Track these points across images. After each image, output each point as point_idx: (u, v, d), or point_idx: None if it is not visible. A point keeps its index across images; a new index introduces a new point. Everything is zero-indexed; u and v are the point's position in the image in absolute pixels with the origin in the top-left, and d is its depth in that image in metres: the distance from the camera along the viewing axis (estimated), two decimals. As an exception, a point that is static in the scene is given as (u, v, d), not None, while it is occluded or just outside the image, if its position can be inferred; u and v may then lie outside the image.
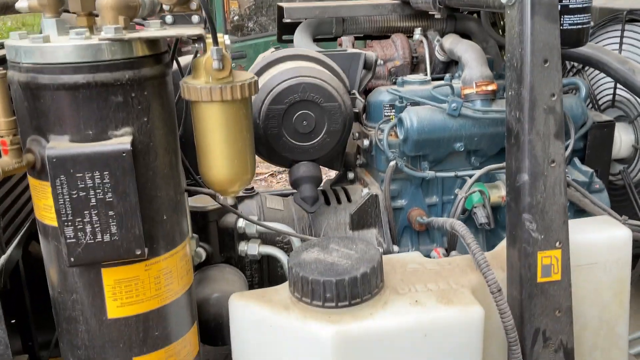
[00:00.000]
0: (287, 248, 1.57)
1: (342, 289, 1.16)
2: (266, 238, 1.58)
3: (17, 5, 1.11)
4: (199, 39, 1.04)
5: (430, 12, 1.71)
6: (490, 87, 1.53)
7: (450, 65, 1.91)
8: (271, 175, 4.72)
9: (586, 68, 1.93)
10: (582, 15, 1.29)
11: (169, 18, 1.13)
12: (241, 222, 1.50)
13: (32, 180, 1.07)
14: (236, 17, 6.17)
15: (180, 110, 1.40)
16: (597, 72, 1.85)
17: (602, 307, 1.42)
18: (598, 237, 1.38)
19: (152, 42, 1.05)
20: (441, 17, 1.82)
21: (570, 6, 1.28)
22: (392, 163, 1.56)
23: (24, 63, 0.99)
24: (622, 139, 1.80)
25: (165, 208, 1.12)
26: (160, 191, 1.10)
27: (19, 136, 0.99)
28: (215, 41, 1.00)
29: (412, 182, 1.65)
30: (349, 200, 1.68)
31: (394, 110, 1.65)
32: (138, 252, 1.05)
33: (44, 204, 1.06)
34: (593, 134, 1.66)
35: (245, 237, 1.53)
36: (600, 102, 1.90)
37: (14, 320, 1.43)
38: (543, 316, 1.27)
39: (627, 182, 1.82)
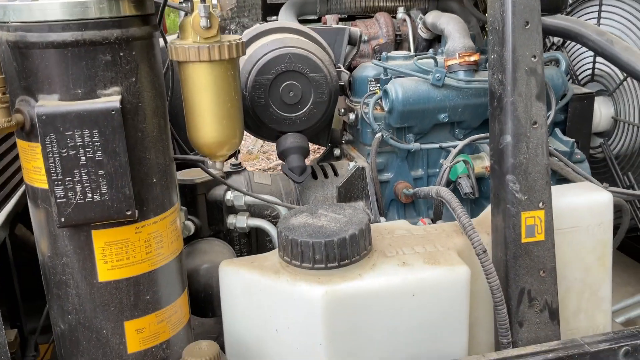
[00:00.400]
0: (275, 222, 1.58)
1: (331, 250, 1.17)
2: (254, 212, 1.59)
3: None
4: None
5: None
6: (473, 58, 1.56)
7: (433, 42, 1.94)
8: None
9: (566, 44, 1.96)
10: (562, -18, 1.32)
11: None
12: (229, 195, 1.51)
13: (21, 143, 1.07)
14: (218, 19, 6.16)
15: (169, 81, 1.41)
16: (577, 47, 1.89)
17: (586, 270, 1.45)
18: (580, 201, 1.41)
19: (139, 2, 1.05)
20: (424, -6, 1.85)
21: (550, -27, 1.30)
22: (378, 135, 1.58)
23: (12, 22, 0.99)
24: (602, 112, 1.84)
25: (154, 171, 1.12)
26: (150, 153, 1.11)
27: (8, 95, 1.00)
28: (203, -1, 1.01)
29: (398, 155, 1.67)
30: (335, 174, 1.70)
31: (378, 85, 1.67)
32: (128, 212, 1.05)
33: (33, 166, 1.06)
34: (573, 106, 1.70)
35: (233, 210, 1.54)
36: (580, 77, 1.94)
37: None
38: (528, 276, 1.29)
39: (607, 155, 1.86)
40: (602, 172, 1.89)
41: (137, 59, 1.05)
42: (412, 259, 1.26)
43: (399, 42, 1.94)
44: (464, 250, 1.32)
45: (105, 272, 1.11)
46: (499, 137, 1.27)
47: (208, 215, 1.55)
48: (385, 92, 1.56)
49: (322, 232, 1.20)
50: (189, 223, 1.48)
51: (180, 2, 1.06)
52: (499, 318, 1.28)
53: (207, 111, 1.12)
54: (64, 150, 0.99)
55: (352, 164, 1.66)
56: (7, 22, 1.00)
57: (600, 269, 1.46)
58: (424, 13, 1.97)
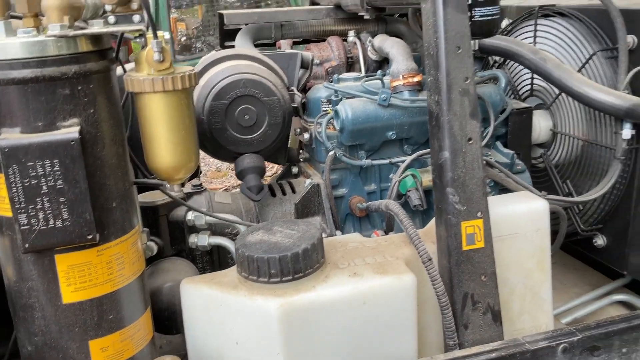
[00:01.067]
0: (235, 239, 1.65)
1: (285, 264, 1.25)
2: (216, 230, 1.66)
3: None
4: (140, 34, 1.13)
5: (360, 14, 1.84)
6: (416, 79, 1.66)
7: (383, 64, 2.05)
8: (225, 190, 4.78)
9: (507, 62, 2.09)
10: (492, 7, 1.44)
11: (111, 18, 1.20)
12: (191, 215, 1.58)
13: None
14: (184, 38, 6.24)
15: (127, 112, 1.48)
16: (517, 65, 2.02)
17: (526, 274, 1.55)
18: (518, 209, 1.52)
19: (96, 38, 1.13)
20: (370, 18, 1.95)
21: None
22: (331, 153, 1.67)
23: (-26, 60, 1.05)
24: (541, 125, 1.96)
25: (114, 196, 1.19)
26: (109, 180, 1.17)
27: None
28: (155, 35, 1.09)
29: (351, 171, 1.76)
30: (293, 191, 1.78)
31: (330, 105, 1.77)
32: (89, 237, 1.11)
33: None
34: (513, 120, 1.82)
35: (195, 229, 1.60)
36: (520, 92, 2.07)
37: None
38: (470, 281, 1.39)
39: (547, 164, 1.98)
40: (543, 181, 2.01)
41: (95, 91, 1.12)
42: (362, 270, 1.34)
43: (350, 64, 2.04)
44: (412, 260, 1.41)
45: (69, 294, 1.17)
46: (438, 153, 1.37)
47: (170, 235, 1.61)
48: (336, 113, 1.65)
49: (277, 247, 1.28)
50: (151, 244, 1.54)
51: (135, 38, 1.14)
52: (445, 321, 1.37)
53: (163, 138, 1.19)
54: (26, 180, 1.05)
55: (308, 181, 1.74)
56: (-29, 61, 1.06)
57: (540, 272, 1.57)
58: (373, 36, 2.08)
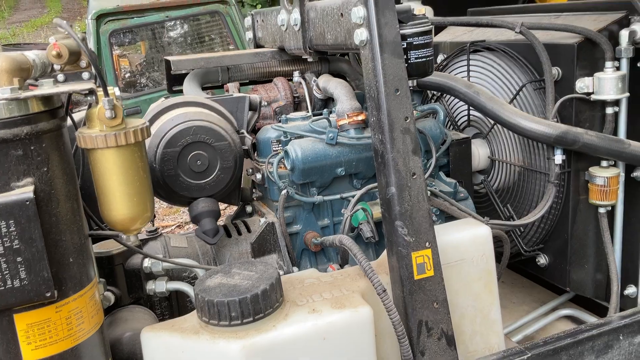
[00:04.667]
0: (194, 282, 1.67)
1: (245, 306, 1.28)
2: (173, 275, 1.67)
3: None
4: (91, 92, 1.16)
5: (303, 57, 1.91)
6: (360, 117, 1.74)
7: (329, 101, 2.12)
8: (178, 226, 4.75)
9: (444, 95, 2.21)
10: (425, 50, 1.54)
11: (60, 76, 1.23)
12: (147, 262, 1.59)
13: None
14: (127, 74, 6.21)
15: (78, 162, 1.49)
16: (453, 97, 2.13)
17: (475, 297, 1.63)
18: (462, 236, 1.60)
19: (46, 99, 1.15)
20: (314, 60, 2.04)
21: (414, 43, 1.52)
22: (284, 192, 1.72)
23: None
24: (480, 153, 2.08)
25: (70, 252, 1.20)
26: (65, 235, 1.19)
27: None
28: (106, 92, 1.12)
29: (304, 208, 1.81)
30: (248, 230, 1.82)
31: (280, 145, 1.83)
32: (48, 294, 1.12)
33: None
34: (454, 150, 1.92)
35: (152, 276, 1.61)
36: (459, 123, 2.18)
37: None
38: (424, 309, 1.45)
39: (488, 190, 2.09)
40: (486, 206, 2.12)
41: (48, 149, 1.14)
42: (320, 305, 1.39)
43: (297, 103, 2.11)
44: (367, 292, 1.46)
45: (30, 353, 1.16)
46: (385, 189, 1.44)
47: (127, 284, 1.62)
48: (286, 153, 1.71)
49: (236, 290, 1.31)
50: (108, 294, 1.54)
51: (85, 96, 1.17)
52: (403, 350, 1.43)
53: (118, 192, 1.22)
54: (-18, 242, 1.05)
55: (262, 220, 1.79)
56: None
57: (488, 294, 1.65)
58: (317, 75, 2.16)
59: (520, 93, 1.89)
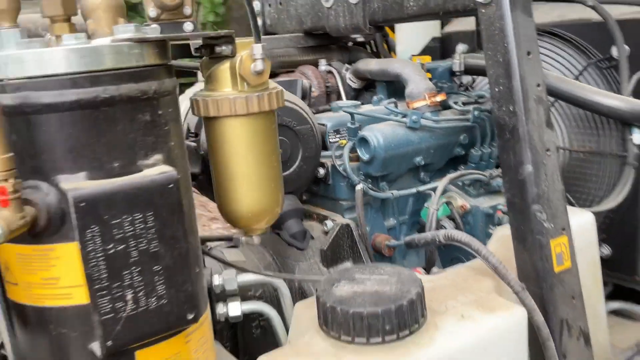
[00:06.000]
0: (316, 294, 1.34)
1: (401, 316, 1.02)
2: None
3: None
4: (229, 39, 0.85)
5: (352, 36, 1.69)
6: (439, 98, 1.54)
7: (361, 92, 1.91)
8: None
9: (474, 82, 2.07)
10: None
11: (155, 27, 0.91)
12: (218, 279, 1.25)
13: (21, 249, 0.75)
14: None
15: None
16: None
17: (585, 291, 1.47)
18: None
19: (164, 50, 0.83)
20: (357, 41, 1.82)
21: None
22: (359, 187, 1.45)
23: (10, 79, 0.71)
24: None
25: (196, 258, 0.87)
26: (191, 237, 0.86)
27: (20, 181, 0.69)
28: (258, 37, 0.83)
29: (372, 206, 1.56)
30: (311, 237, 1.53)
31: (339, 135, 1.58)
32: (190, 317, 0.79)
33: (43, 279, 0.75)
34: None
35: (222, 296, 1.28)
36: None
37: None
38: (564, 305, 1.26)
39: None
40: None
41: (172, 117, 0.82)
42: (466, 311, 1.15)
43: (328, 94, 1.87)
44: (499, 292, 1.25)
45: (153, 405, 0.82)
46: (517, 168, 1.24)
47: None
48: (364, 140, 1.45)
49: (384, 297, 1.04)
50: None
51: (220, 49, 0.86)
52: (548, 354, 1.22)
53: (254, 175, 0.90)
54: (110, 247, 0.71)
55: (329, 223, 1.51)
56: (3, 80, 0.71)
57: (595, 287, 1.50)
58: (346, 63, 1.94)
59: (583, 74, 1.79)
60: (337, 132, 1.58)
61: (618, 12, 1.77)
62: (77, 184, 0.70)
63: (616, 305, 2.08)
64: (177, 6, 0.93)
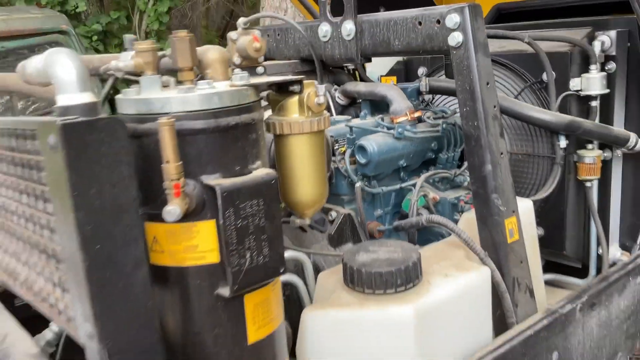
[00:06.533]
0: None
1: (407, 274, 1.44)
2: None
3: (111, 67, 1.16)
4: (299, 82, 1.25)
5: (345, 65, 2.09)
6: (416, 114, 1.98)
7: (348, 108, 2.32)
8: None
9: (434, 100, 2.53)
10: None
11: (260, 69, 1.29)
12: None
13: (169, 226, 1.11)
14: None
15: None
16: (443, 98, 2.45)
17: (532, 259, 1.94)
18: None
19: (257, 89, 1.22)
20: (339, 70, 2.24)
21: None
22: (358, 184, 1.87)
23: (174, 112, 1.07)
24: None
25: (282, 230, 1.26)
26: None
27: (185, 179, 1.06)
28: (322, 80, 1.23)
29: (365, 200, 1.98)
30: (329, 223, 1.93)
31: (339, 142, 1.99)
32: (281, 270, 1.18)
33: (186, 247, 1.12)
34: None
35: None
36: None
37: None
38: (515, 267, 1.72)
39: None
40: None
41: (263, 136, 1.21)
42: (448, 271, 1.58)
43: (319, 110, 2.28)
44: (469, 259, 1.69)
45: (253, 333, 1.20)
46: (480, 167, 1.69)
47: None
48: (362, 147, 1.87)
49: (395, 261, 1.46)
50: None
51: (292, 86, 1.25)
52: (505, 304, 1.67)
53: (312, 176, 1.30)
54: (238, 222, 1.09)
55: (333, 213, 1.91)
56: (169, 113, 1.08)
57: (535, 257, 1.97)
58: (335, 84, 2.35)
59: (521, 94, 2.28)
60: (336, 141, 1.99)
61: (546, 45, 2.28)
62: (219, 180, 1.08)
63: (550, 276, 2.59)
64: (258, 57, 1.32)
